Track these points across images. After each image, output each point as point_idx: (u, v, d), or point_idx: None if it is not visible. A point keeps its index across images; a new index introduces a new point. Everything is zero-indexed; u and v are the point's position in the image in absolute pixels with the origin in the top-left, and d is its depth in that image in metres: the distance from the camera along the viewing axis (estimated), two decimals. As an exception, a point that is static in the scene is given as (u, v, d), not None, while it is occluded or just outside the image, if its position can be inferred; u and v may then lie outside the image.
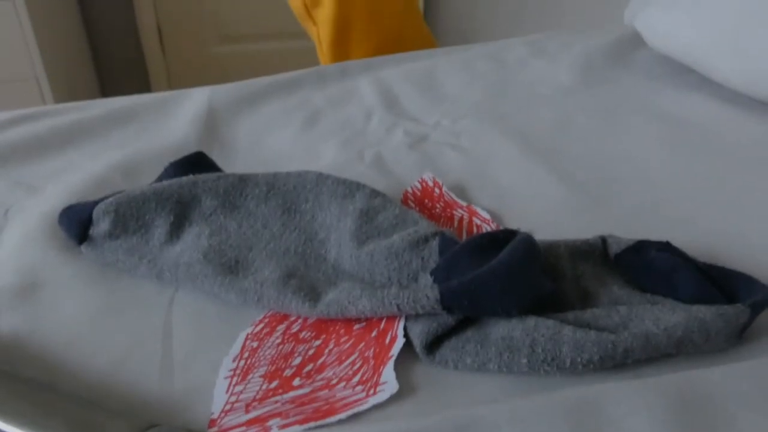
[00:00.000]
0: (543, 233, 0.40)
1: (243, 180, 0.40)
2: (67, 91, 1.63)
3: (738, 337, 0.28)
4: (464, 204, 0.43)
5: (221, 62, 2.26)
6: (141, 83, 2.20)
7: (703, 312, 0.27)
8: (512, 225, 0.41)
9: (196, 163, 0.41)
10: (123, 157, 0.46)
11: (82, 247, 0.36)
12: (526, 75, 0.61)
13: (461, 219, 0.42)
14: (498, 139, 0.50)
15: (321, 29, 0.69)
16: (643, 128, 0.51)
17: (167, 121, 0.53)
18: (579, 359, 0.27)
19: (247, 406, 0.27)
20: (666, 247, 0.32)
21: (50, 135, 0.49)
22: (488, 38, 1.85)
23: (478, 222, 0.41)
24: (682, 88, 0.57)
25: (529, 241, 0.31)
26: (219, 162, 0.46)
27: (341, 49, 0.71)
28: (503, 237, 0.32)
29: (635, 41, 0.65)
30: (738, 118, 0.51)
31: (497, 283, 0.29)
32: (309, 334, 0.32)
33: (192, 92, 0.59)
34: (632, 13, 0.60)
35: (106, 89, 2.16)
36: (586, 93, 0.57)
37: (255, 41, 2.24)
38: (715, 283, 0.30)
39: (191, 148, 0.49)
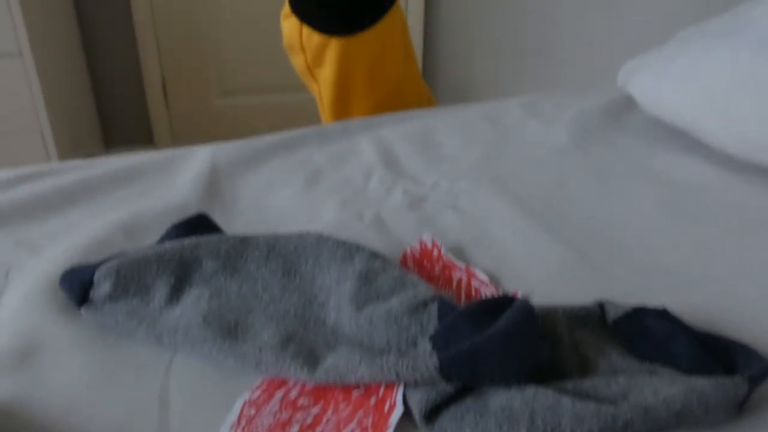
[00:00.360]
0: (541, 296, 0.40)
1: (244, 242, 0.40)
2: (70, 143, 1.66)
3: (737, 410, 0.28)
4: (463, 266, 0.43)
5: (223, 114, 2.30)
6: (144, 134, 2.24)
7: (702, 384, 0.27)
8: (510, 287, 0.41)
9: (199, 224, 0.41)
10: (126, 217, 0.47)
11: (82, 310, 0.36)
12: (522, 136, 0.63)
13: (460, 281, 0.42)
14: (496, 201, 0.51)
15: (322, 88, 0.71)
16: (639, 191, 0.52)
17: (170, 179, 0.54)
18: (579, 431, 0.26)
19: (244, 478, 0.27)
20: (663, 314, 0.33)
21: (54, 194, 0.50)
22: (484, 94, 1.90)
23: (477, 284, 0.41)
24: (676, 151, 0.58)
25: (526, 308, 0.31)
26: (221, 221, 0.47)
27: (342, 107, 0.73)
28: (501, 303, 0.33)
29: (628, 103, 0.67)
30: (733, 182, 0.52)
31: (496, 352, 0.29)
32: (307, 400, 0.32)
33: (195, 150, 0.60)
34: (625, 77, 0.62)
35: (110, 140, 2.19)
36: (582, 155, 0.58)
37: (257, 94, 2.29)
38: (713, 352, 0.30)
39: (194, 207, 0.50)
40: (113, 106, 2.18)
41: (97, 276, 0.36)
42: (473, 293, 0.41)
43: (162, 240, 0.41)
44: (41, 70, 1.42)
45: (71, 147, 1.65)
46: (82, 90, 1.92)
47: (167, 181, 0.54)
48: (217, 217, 0.49)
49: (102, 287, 0.36)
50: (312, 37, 0.66)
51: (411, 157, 0.60)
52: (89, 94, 2.03)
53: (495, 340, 0.29)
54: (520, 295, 0.40)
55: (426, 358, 0.30)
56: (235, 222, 0.49)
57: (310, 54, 0.67)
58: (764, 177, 0.52)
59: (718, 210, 0.49)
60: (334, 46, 0.66)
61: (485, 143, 0.61)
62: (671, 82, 0.53)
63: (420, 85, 0.83)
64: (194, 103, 2.26)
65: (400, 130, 0.65)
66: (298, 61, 0.71)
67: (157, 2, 2.06)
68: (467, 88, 2.01)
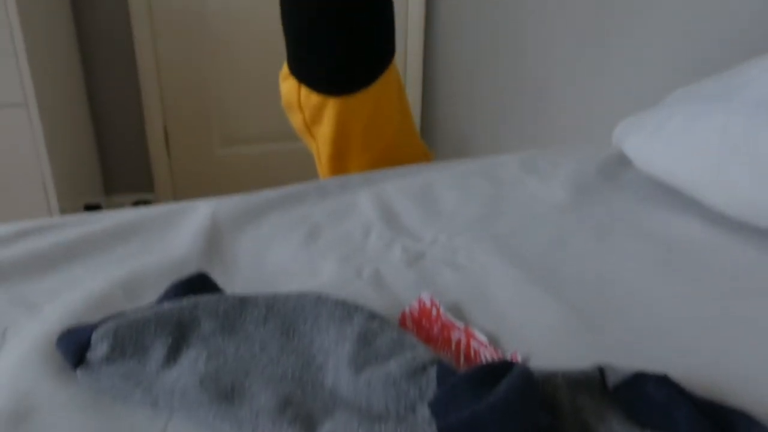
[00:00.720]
0: (540, 357, 0.40)
1: (243, 301, 0.40)
2: (71, 191, 1.67)
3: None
4: (462, 326, 0.43)
5: (225, 162, 2.32)
6: (145, 182, 2.25)
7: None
8: (510, 348, 0.41)
9: (198, 283, 0.41)
10: (125, 274, 0.47)
11: (78, 372, 0.35)
12: (520, 193, 0.64)
13: (459, 342, 0.42)
14: (494, 258, 0.51)
15: (320, 145, 0.73)
16: (637, 250, 0.52)
17: (171, 235, 0.54)
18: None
19: None
20: (664, 380, 0.32)
21: (53, 250, 0.50)
22: (481, 146, 1.92)
23: (476, 345, 0.41)
24: (673, 209, 0.59)
25: (526, 374, 0.31)
26: (220, 278, 0.47)
27: (339, 164, 0.74)
28: (501, 368, 0.32)
29: (624, 160, 0.68)
30: (730, 241, 0.53)
31: (496, 420, 0.29)
32: (304, 468, 0.31)
33: (196, 205, 0.61)
34: (619, 136, 0.63)
35: (110, 188, 2.21)
36: (579, 212, 0.59)
37: (258, 143, 2.32)
38: (714, 421, 0.30)
39: (194, 264, 0.50)
40: (115, 153, 2.20)
41: (95, 337, 0.36)
42: (472, 355, 0.41)
43: (161, 300, 0.41)
44: (45, 119, 1.44)
45: (72, 195, 1.66)
46: (84, 138, 1.94)
47: (167, 236, 0.54)
48: (217, 274, 0.49)
49: (99, 349, 0.36)
50: (310, 97, 0.68)
51: (410, 212, 0.60)
52: (91, 141, 2.05)
53: (495, 408, 0.29)
54: (519, 357, 0.40)
55: (425, 426, 0.29)
56: (235, 279, 0.49)
57: (308, 113, 0.69)
58: (760, 237, 0.52)
59: (716, 270, 0.50)
60: (331, 106, 0.68)
61: (483, 199, 0.62)
62: (665, 144, 0.55)
63: (416, 140, 0.84)
64: (196, 152, 2.28)
65: (399, 185, 0.66)
66: (296, 120, 0.72)
67: (162, 53, 2.11)
68: (465, 140, 2.05)
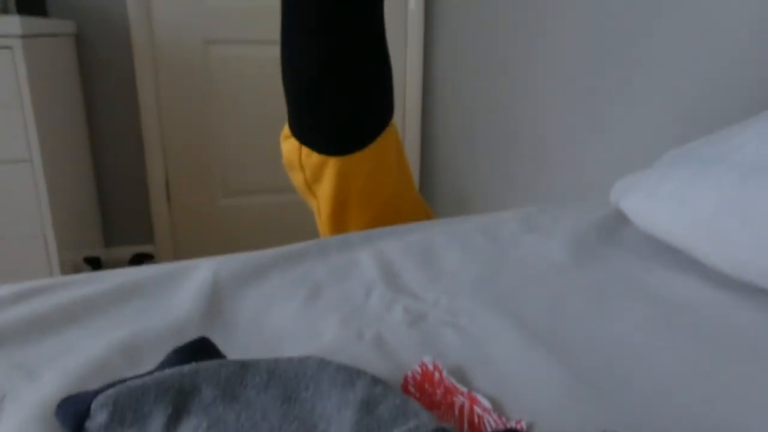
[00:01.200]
0: (545, 424, 0.39)
1: (244, 367, 0.40)
2: (71, 244, 1.67)
3: None
4: (464, 390, 0.43)
5: (226, 214, 2.33)
6: (145, 234, 2.26)
7: None
8: (514, 414, 0.41)
9: (200, 349, 0.41)
10: (126, 337, 0.46)
11: (76, 442, 0.35)
12: (519, 251, 0.64)
13: (462, 407, 0.42)
14: (496, 320, 0.51)
15: (320, 203, 0.73)
16: (638, 310, 0.52)
17: (172, 296, 0.54)
18: None
19: None
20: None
21: (54, 312, 0.50)
22: (480, 199, 1.93)
23: (480, 411, 0.41)
24: (672, 268, 0.59)
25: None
26: (221, 340, 0.47)
27: (339, 221, 0.75)
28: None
29: (622, 218, 0.69)
30: (732, 302, 0.53)
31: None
32: None
33: (197, 264, 0.61)
34: (617, 195, 0.64)
35: (110, 239, 2.21)
36: (579, 272, 0.59)
37: (260, 194, 2.34)
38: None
39: (195, 326, 0.50)
40: (116, 205, 2.21)
41: (94, 406, 0.35)
42: (476, 421, 0.40)
43: (162, 366, 0.40)
44: (48, 174, 1.46)
45: (72, 247, 1.66)
46: (86, 191, 1.96)
47: (169, 297, 0.54)
48: (218, 336, 0.49)
49: (98, 417, 0.35)
50: (311, 157, 0.69)
51: (411, 272, 0.61)
52: (93, 194, 2.07)
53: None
54: (524, 424, 0.39)
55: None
56: (236, 340, 0.49)
57: (309, 172, 0.70)
58: (763, 297, 0.52)
59: (717, 331, 0.50)
60: (331, 165, 0.69)
61: (484, 258, 0.62)
62: (662, 204, 0.55)
63: (415, 197, 0.85)
64: (197, 203, 2.30)
65: (399, 244, 0.66)
66: (297, 179, 0.73)
67: (165, 105, 2.15)
68: (464, 194, 2.06)
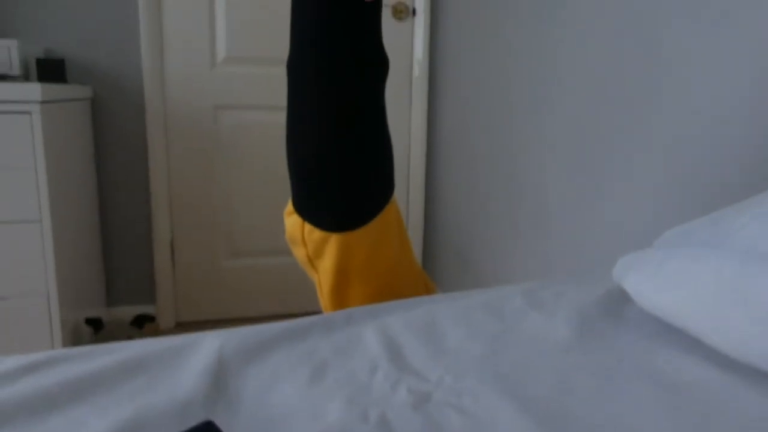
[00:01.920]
0: None
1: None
2: (73, 303, 1.67)
3: None
4: (469, 479, 0.42)
5: (229, 275, 2.34)
6: (147, 294, 2.25)
7: None
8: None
9: (204, 433, 0.41)
10: (130, 415, 0.46)
11: None
12: (524, 329, 0.64)
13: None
14: (501, 402, 0.51)
15: (322, 277, 0.74)
16: (643, 393, 0.52)
17: (177, 372, 0.54)
18: None
19: None
20: None
21: (58, 388, 0.50)
22: (481, 270, 1.94)
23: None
24: (677, 348, 0.59)
25: None
26: (225, 418, 0.47)
27: (341, 295, 0.75)
28: None
29: (626, 295, 0.69)
30: (737, 383, 0.53)
31: None
32: None
33: (202, 339, 0.61)
34: (619, 274, 0.65)
35: (112, 299, 2.21)
36: (584, 352, 0.59)
37: (264, 256, 2.35)
38: None
39: (199, 404, 0.50)
40: (120, 265, 2.22)
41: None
42: None
43: (166, 450, 0.40)
44: (57, 234, 1.48)
45: (74, 307, 1.66)
46: (91, 251, 1.97)
47: (173, 373, 0.54)
48: (222, 414, 0.48)
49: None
50: (313, 233, 0.70)
51: (415, 349, 0.61)
52: (98, 253, 2.08)
53: None
54: None
55: None
56: (240, 420, 0.49)
57: (311, 247, 0.71)
58: (766, 380, 0.52)
59: (724, 413, 0.49)
60: (333, 241, 0.70)
61: (488, 337, 0.63)
62: (664, 286, 0.56)
63: (416, 271, 0.86)
64: (201, 264, 2.30)
65: (403, 319, 0.67)
66: (299, 254, 0.74)
67: (174, 167, 2.19)
68: (467, 254, 2.07)
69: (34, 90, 1.37)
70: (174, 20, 2.10)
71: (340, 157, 0.65)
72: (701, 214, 0.97)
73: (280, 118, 2.23)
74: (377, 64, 0.64)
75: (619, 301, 0.70)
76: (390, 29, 2.22)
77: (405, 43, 2.31)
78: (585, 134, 1.34)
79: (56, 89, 1.54)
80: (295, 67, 0.63)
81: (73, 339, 1.65)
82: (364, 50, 0.62)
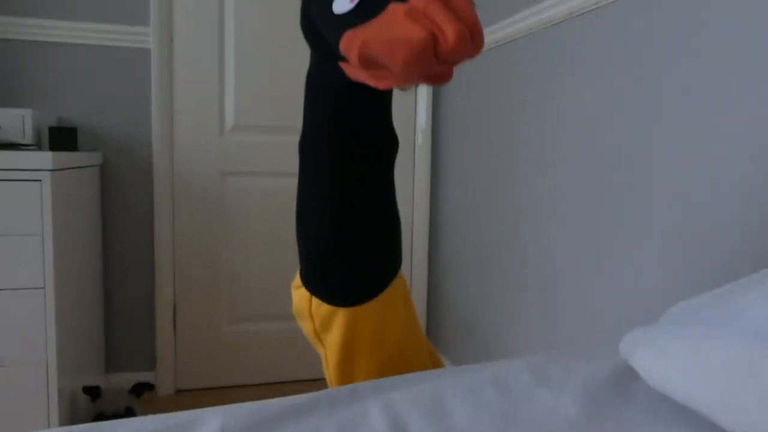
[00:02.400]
0: None
1: None
2: (72, 370, 1.64)
3: None
4: None
5: (231, 340, 2.31)
6: (147, 360, 2.22)
7: None
8: None
9: None
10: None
11: None
12: (531, 407, 0.63)
13: None
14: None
15: (328, 351, 0.74)
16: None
17: (178, 453, 0.53)
18: None
19: None
20: None
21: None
22: (487, 327, 1.91)
23: None
24: (688, 428, 0.58)
25: None
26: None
27: (347, 369, 0.75)
28: None
29: (633, 371, 0.68)
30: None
31: None
32: None
33: (204, 416, 0.60)
34: (626, 350, 0.64)
35: (111, 364, 2.17)
36: (592, 429, 0.58)
37: (266, 321, 2.33)
38: None
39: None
40: (120, 330, 2.21)
41: None
42: None
43: None
44: (59, 301, 1.47)
45: (72, 374, 1.64)
46: (92, 316, 1.96)
47: (174, 454, 0.53)
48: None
49: None
50: (320, 307, 0.70)
51: (421, 428, 0.59)
52: (99, 320, 2.07)
53: None
54: None
55: None
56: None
57: (318, 321, 0.71)
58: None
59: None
60: (341, 315, 0.70)
61: (495, 414, 0.61)
62: (672, 365, 0.55)
63: (422, 343, 0.85)
64: (202, 329, 2.29)
65: (409, 395, 0.66)
66: (306, 327, 0.74)
67: (179, 231, 2.21)
68: (472, 320, 2.05)
69: (45, 159, 1.40)
70: (185, 89, 2.17)
71: (349, 234, 0.66)
72: (706, 281, 0.97)
73: (284, 183, 2.27)
74: (388, 145, 0.65)
75: (627, 378, 0.69)
76: (393, 97, 2.29)
77: (408, 110, 2.38)
78: (588, 201, 1.36)
79: (67, 157, 1.57)
80: (307, 146, 0.65)
81: (70, 408, 1.62)
82: (375, 132, 0.64)
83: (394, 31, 0.38)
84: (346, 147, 0.63)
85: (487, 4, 1.87)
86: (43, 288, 1.42)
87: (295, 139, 2.25)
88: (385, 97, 0.64)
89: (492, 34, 1.81)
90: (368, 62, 0.40)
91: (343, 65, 0.51)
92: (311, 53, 0.63)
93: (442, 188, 2.32)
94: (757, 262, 0.91)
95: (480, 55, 1.94)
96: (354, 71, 0.46)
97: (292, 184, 2.27)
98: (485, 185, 1.91)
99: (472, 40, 0.39)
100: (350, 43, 0.41)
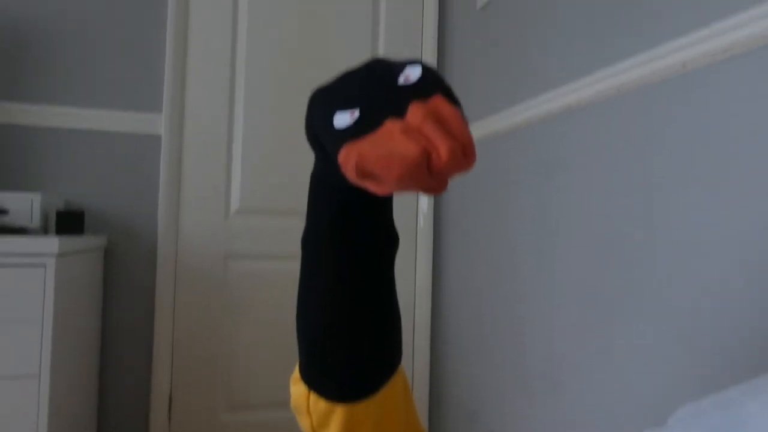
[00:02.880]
0: None
1: None
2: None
3: None
4: None
5: (229, 429, 2.24)
6: (139, 452, 2.15)
7: None
8: None
9: None
10: None
11: None
12: None
13: None
14: None
15: (326, 448, 0.71)
16: None
17: None
18: None
19: None
20: None
21: None
22: (493, 413, 1.85)
23: None
24: None
25: None
26: None
27: (344, 466, 0.72)
28: None
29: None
30: None
31: None
32: None
33: None
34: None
35: (102, 456, 2.10)
36: None
37: (263, 409, 2.26)
38: None
39: None
40: (114, 419, 2.14)
41: None
42: None
43: None
44: (54, 390, 1.44)
45: (61, 468, 1.57)
46: (87, 403, 1.91)
47: None
48: None
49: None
50: (318, 403, 0.69)
51: None
52: (93, 406, 2.01)
53: None
54: None
55: None
56: None
57: (315, 418, 0.70)
58: None
59: None
60: (339, 412, 0.69)
61: None
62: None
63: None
64: (198, 417, 2.22)
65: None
66: (304, 423, 0.72)
67: (179, 315, 2.19)
68: (476, 406, 1.99)
69: (51, 244, 1.42)
70: (193, 174, 2.22)
71: (348, 330, 0.66)
72: (715, 375, 0.95)
73: (287, 266, 2.27)
74: (388, 244, 0.66)
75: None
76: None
77: (409, 195, 2.41)
78: (589, 290, 1.35)
79: (73, 241, 1.59)
80: (309, 243, 0.66)
81: (56, 504, 1.55)
82: (376, 232, 0.65)
83: (390, 146, 0.40)
84: (347, 246, 0.64)
85: (487, 96, 1.95)
86: (38, 377, 1.39)
87: (298, 222, 2.28)
88: (385, 199, 0.65)
89: (493, 125, 1.87)
90: (364, 174, 0.42)
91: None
92: (316, 155, 0.65)
93: (444, 273, 2.32)
94: (756, 359, 0.90)
95: (483, 144, 1.99)
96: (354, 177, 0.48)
97: (294, 267, 2.27)
98: (487, 271, 1.91)
99: (464, 156, 0.41)
100: (348, 157, 0.42)
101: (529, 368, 1.60)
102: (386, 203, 0.67)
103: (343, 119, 0.47)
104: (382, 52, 2.42)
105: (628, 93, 1.24)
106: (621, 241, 1.24)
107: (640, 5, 1.22)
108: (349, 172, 0.42)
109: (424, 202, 2.40)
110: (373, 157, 0.40)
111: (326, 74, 2.36)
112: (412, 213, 2.41)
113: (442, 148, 0.39)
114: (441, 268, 2.33)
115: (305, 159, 2.31)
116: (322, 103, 0.52)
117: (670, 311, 1.09)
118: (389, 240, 0.68)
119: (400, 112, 0.44)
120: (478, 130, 1.97)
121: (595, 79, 1.33)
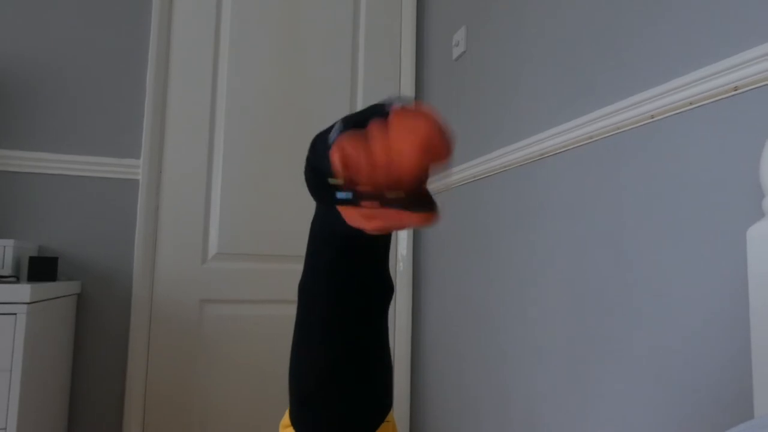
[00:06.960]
0: None
1: None
2: None
3: None
4: None
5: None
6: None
7: None
8: None
9: None
10: None
11: None
12: None
13: None
14: None
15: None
16: None
17: None
18: None
19: None
20: None
21: None
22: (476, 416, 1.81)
23: None
24: None
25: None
26: None
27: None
28: None
29: None
30: None
31: None
32: None
33: None
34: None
35: None
36: None
37: (238, 460, 2.19)
38: None
39: None
40: (83, 473, 2.06)
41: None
42: None
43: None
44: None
45: None
46: (55, 458, 1.84)
47: None
48: None
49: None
50: (307, 448, 0.68)
51: None
52: (61, 461, 1.93)
53: None
54: None
55: None
56: None
57: (304, 461, 0.68)
58: None
59: None
60: (328, 457, 0.68)
61: None
62: None
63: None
64: (170, 470, 2.14)
65: None
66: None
67: (153, 360, 2.14)
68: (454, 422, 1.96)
69: (23, 292, 1.39)
70: (170, 219, 2.20)
71: (341, 377, 0.65)
72: (695, 424, 0.96)
73: (263, 311, 2.25)
74: (383, 292, 0.67)
75: None
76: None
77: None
78: (569, 338, 1.36)
79: (45, 288, 1.55)
80: (305, 289, 0.66)
81: None
82: (372, 280, 0.66)
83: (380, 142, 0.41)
84: (343, 292, 0.65)
85: (464, 142, 1.99)
86: (5, 429, 1.34)
87: (276, 266, 2.26)
88: (381, 247, 0.66)
89: (470, 170, 1.91)
90: (349, 161, 0.42)
91: (340, 209, 0.54)
92: (317, 204, 0.66)
93: (423, 316, 2.31)
94: (738, 392, 0.90)
95: (460, 188, 2.02)
96: (350, 215, 0.48)
97: (271, 311, 2.24)
98: (466, 314, 1.91)
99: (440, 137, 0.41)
100: (337, 148, 0.43)
101: (509, 414, 1.59)
102: (381, 252, 0.67)
103: (334, 136, 0.49)
104: (361, 101, 2.47)
105: (600, 140, 1.28)
106: (596, 284, 1.26)
107: (610, 59, 1.27)
108: (336, 163, 0.43)
109: (403, 245, 2.41)
110: (358, 145, 0.42)
111: (305, 122, 2.39)
112: (392, 256, 2.41)
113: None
114: (420, 311, 2.33)
115: (284, 205, 2.32)
116: (320, 137, 0.54)
117: (647, 356, 1.10)
118: (384, 288, 0.68)
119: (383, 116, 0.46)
120: (455, 174, 2.00)
121: (568, 127, 1.38)
